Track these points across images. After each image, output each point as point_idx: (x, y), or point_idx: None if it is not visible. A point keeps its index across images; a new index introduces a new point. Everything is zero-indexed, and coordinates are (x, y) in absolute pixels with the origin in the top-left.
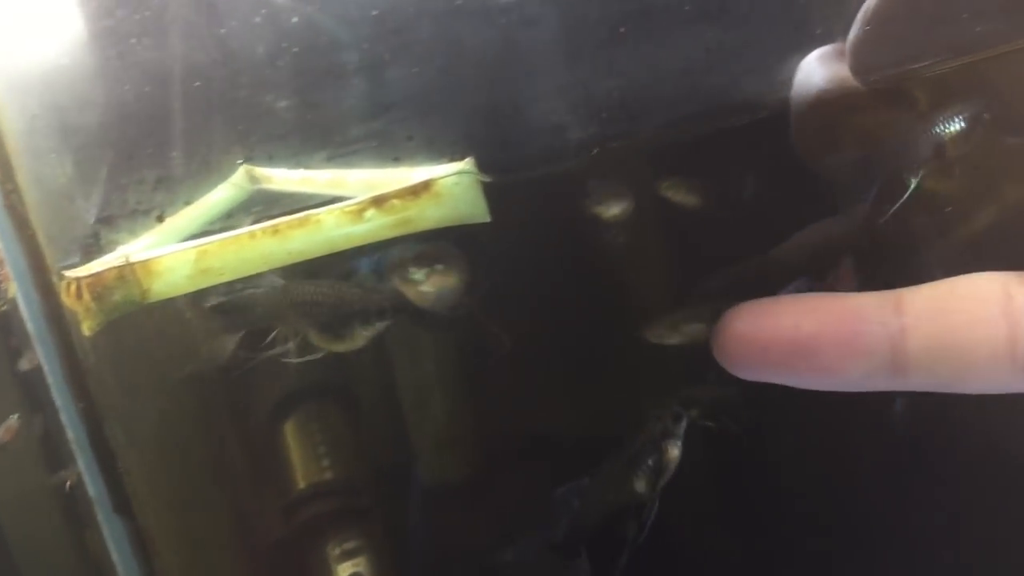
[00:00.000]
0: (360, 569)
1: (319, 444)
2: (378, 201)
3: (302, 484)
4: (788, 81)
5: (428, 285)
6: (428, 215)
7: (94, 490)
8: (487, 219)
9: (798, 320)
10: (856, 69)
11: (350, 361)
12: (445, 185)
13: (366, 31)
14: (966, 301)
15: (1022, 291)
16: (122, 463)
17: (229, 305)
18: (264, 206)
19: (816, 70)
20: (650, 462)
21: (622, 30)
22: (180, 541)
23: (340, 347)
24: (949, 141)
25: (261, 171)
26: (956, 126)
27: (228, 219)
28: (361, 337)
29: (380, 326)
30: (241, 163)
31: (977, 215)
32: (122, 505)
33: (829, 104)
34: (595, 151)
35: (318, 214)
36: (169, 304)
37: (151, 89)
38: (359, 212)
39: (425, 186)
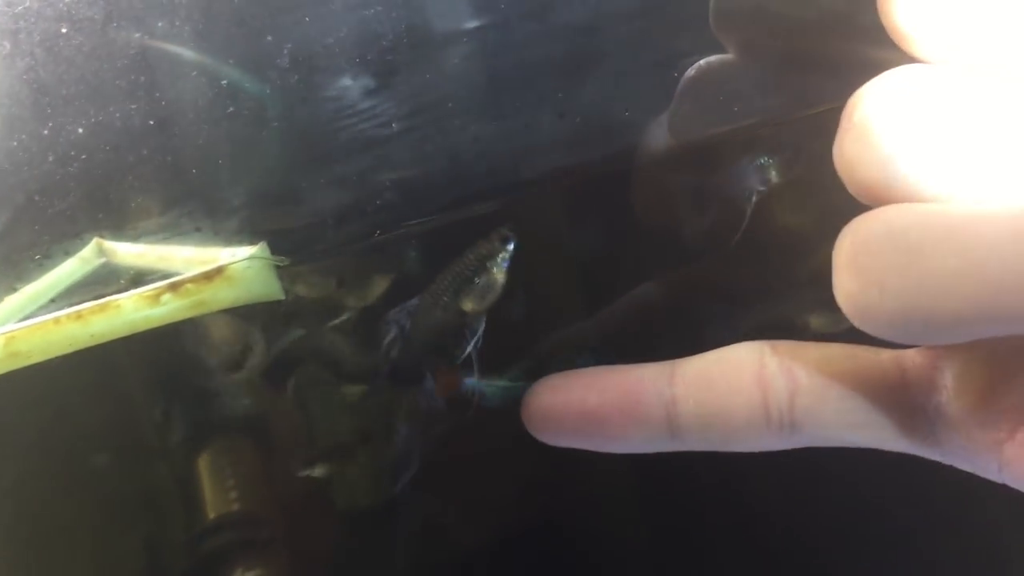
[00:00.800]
0: None
1: (229, 477)
2: (174, 286)
3: (211, 515)
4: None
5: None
6: (222, 297)
7: None
8: (281, 297)
9: (584, 393)
10: (673, 135)
11: (259, 397)
12: (237, 269)
13: (146, 139)
14: (727, 370)
15: (774, 359)
16: None
17: None
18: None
19: (648, 135)
20: (477, 280)
21: (394, 126)
22: None
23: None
24: (772, 168)
25: (109, 244)
26: (778, 156)
27: (81, 290)
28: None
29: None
30: (39, 258)
31: (816, 254)
32: None
33: (659, 164)
34: (376, 234)
35: (118, 300)
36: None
37: None
38: (156, 296)
39: (218, 271)
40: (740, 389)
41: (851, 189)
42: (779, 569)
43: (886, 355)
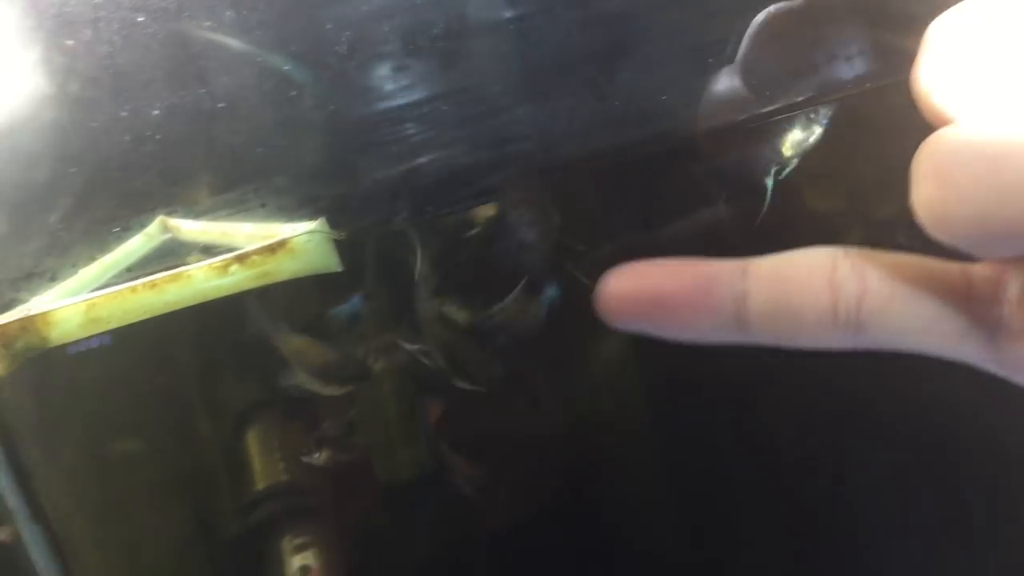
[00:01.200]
0: (309, 562)
1: (277, 449)
2: (241, 258)
3: (261, 485)
4: None
5: None
6: (284, 268)
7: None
8: (338, 269)
9: (659, 280)
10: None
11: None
12: (299, 243)
13: (215, 120)
14: (799, 269)
15: (847, 263)
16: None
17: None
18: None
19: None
20: None
21: (443, 108)
22: (104, 547)
23: None
24: (786, 143)
25: (173, 222)
26: (795, 129)
27: (145, 265)
28: None
29: None
30: (118, 230)
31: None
32: (38, 515)
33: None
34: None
35: (189, 270)
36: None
37: (35, 174)
38: (225, 267)
39: (281, 244)
40: (810, 288)
41: (927, 114)
42: (806, 539)
43: (954, 267)
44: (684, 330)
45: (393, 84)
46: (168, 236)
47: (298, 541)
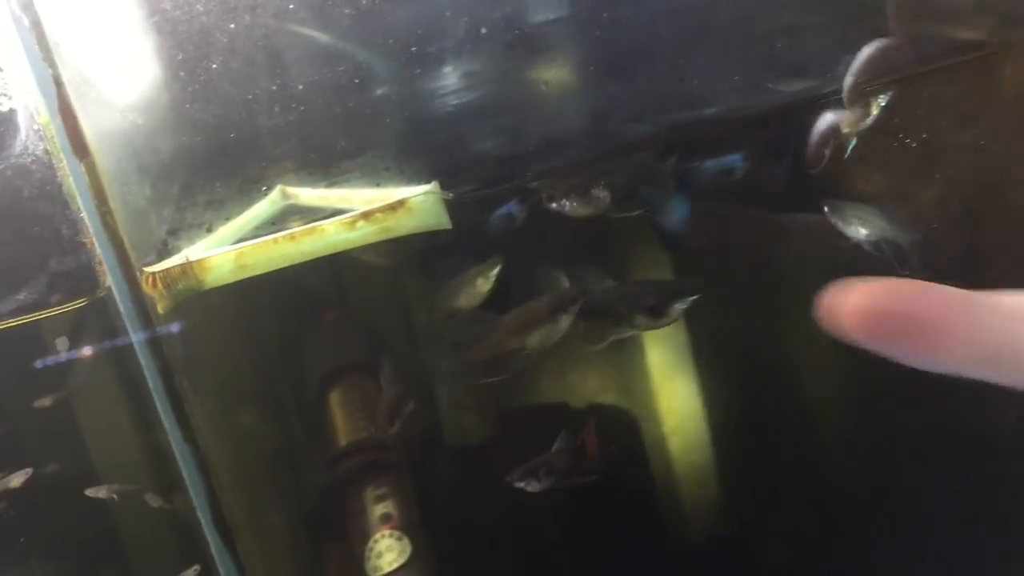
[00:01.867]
0: (389, 510)
1: (358, 409)
2: (366, 215)
3: (344, 441)
4: None
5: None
6: (403, 224)
7: (167, 423)
8: (449, 227)
9: (906, 303)
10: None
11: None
12: (416, 202)
13: (350, 94)
14: None
15: None
16: (188, 405)
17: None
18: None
19: None
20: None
21: (543, 87)
22: (236, 466)
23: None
24: (844, 120)
25: (291, 190)
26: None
27: (270, 226)
28: (676, 314)
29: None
30: (265, 190)
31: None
32: (188, 436)
33: None
34: (528, 176)
35: (323, 225)
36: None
37: (200, 139)
38: (352, 223)
39: (400, 203)
40: None
41: None
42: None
43: None
44: (924, 356)
45: (498, 68)
46: (289, 202)
47: (380, 491)
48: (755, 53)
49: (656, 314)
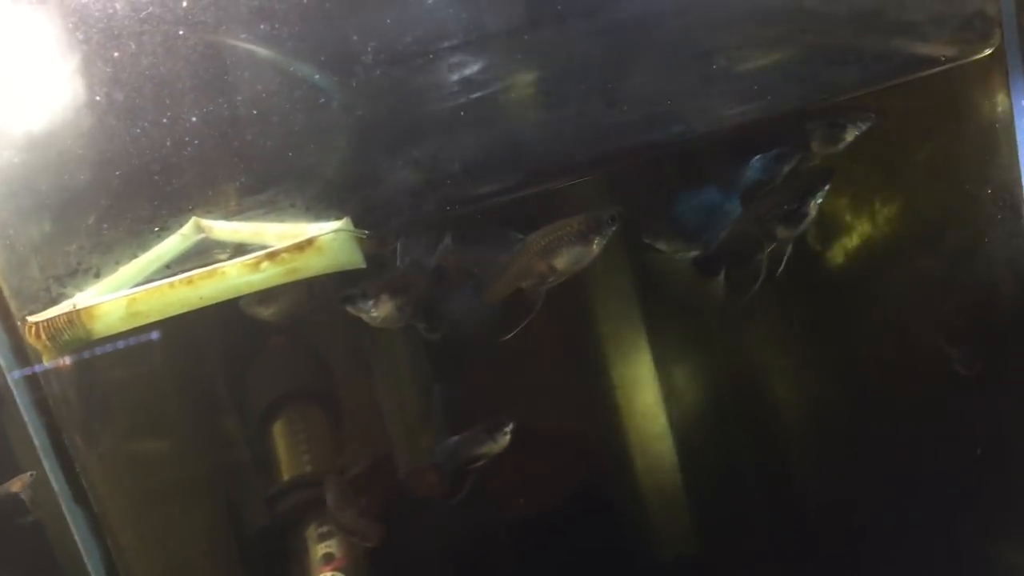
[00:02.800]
0: (332, 549)
1: (302, 441)
2: (271, 255)
3: (287, 475)
4: None
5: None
6: (312, 265)
7: (55, 484)
8: (363, 265)
9: None
10: None
11: (331, 370)
12: (325, 241)
13: (248, 126)
14: None
15: None
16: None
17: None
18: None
19: None
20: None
21: (462, 114)
22: (140, 529)
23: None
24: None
25: (206, 222)
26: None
27: (182, 262)
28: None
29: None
30: (158, 230)
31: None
32: (80, 497)
33: None
34: (448, 209)
35: (224, 267)
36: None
37: (84, 177)
38: (256, 264)
39: (309, 242)
40: None
41: None
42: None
43: None
44: None
45: (413, 91)
46: (202, 236)
47: (322, 530)
48: (688, 77)
49: (795, 217)
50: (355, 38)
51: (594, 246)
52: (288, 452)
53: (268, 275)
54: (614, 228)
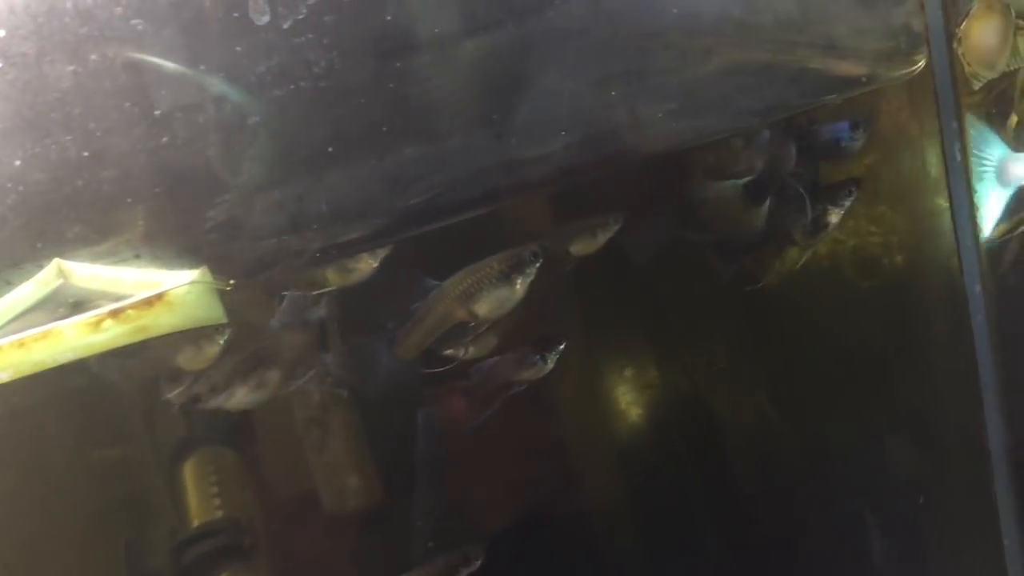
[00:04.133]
0: None
1: (213, 485)
2: (115, 313)
3: (195, 522)
4: None
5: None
6: (163, 322)
7: None
8: (223, 321)
9: None
10: None
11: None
12: (178, 295)
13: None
14: None
15: None
16: None
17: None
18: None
19: None
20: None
21: (329, 149)
22: None
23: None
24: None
25: (68, 265)
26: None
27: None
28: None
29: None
30: None
31: None
32: None
33: None
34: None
35: (60, 327)
36: None
37: None
38: (97, 323)
39: (159, 297)
40: None
41: None
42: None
43: None
44: None
45: (270, 127)
46: (60, 282)
47: None
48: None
49: (816, 227)
50: (202, 67)
51: (517, 286)
52: (198, 497)
53: (112, 335)
54: (538, 265)
